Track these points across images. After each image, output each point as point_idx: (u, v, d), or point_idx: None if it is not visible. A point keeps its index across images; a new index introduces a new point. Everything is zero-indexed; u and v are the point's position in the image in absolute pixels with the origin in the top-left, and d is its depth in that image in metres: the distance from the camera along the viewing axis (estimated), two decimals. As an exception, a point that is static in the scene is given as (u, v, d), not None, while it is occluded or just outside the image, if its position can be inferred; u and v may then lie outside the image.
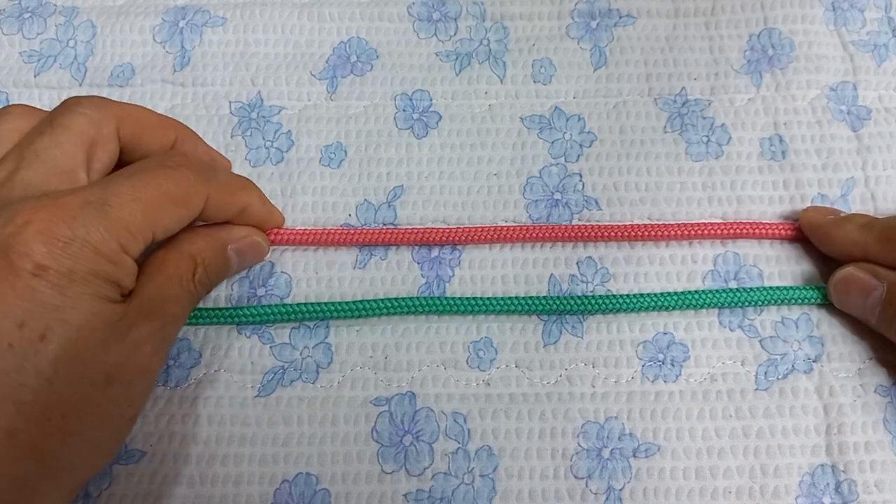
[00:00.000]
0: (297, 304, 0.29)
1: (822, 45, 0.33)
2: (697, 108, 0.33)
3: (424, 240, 0.30)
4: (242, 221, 0.29)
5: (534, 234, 0.30)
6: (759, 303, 0.29)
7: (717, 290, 0.29)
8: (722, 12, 0.34)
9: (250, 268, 0.31)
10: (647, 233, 0.30)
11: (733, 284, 0.30)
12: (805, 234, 0.30)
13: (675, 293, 0.29)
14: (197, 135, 0.30)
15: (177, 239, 0.27)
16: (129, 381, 0.24)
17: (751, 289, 0.29)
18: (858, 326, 0.29)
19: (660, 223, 0.30)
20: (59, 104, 0.26)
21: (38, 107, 0.33)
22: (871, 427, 0.28)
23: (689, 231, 0.30)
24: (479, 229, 0.30)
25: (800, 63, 0.33)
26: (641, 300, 0.29)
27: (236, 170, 0.32)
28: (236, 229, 0.29)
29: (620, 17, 0.34)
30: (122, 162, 0.27)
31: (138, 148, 0.27)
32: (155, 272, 0.25)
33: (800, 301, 0.29)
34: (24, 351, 0.21)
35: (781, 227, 0.30)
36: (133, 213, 0.23)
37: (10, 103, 0.33)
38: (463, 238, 0.30)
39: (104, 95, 0.33)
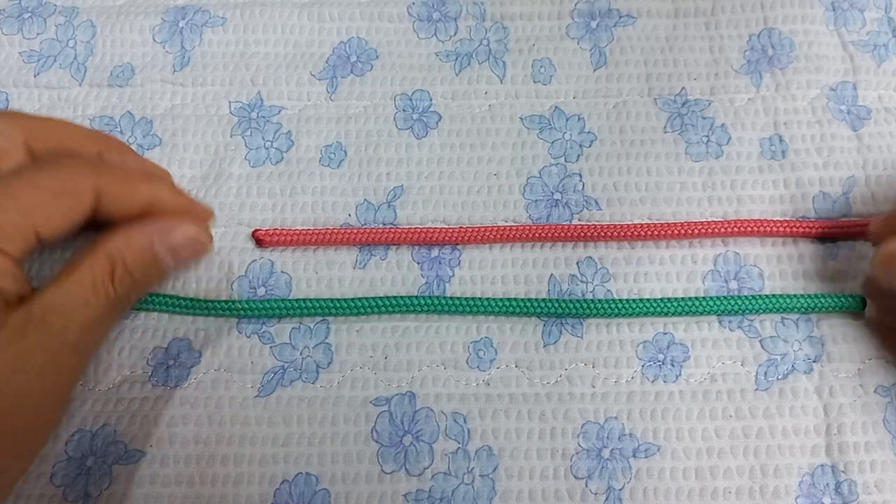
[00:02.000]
0: (298, 300, 0.29)
1: (822, 45, 0.33)
2: (697, 108, 0.33)
3: (424, 240, 0.30)
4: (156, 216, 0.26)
5: (534, 234, 0.30)
6: (762, 310, 0.29)
7: (718, 298, 0.29)
8: (722, 12, 0.34)
9: (193, 265, 0.29)
10: (647, 232, 0.30)
11: (734, 284, 0.30)
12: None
13: (676, 299, 0.29)
14: (128, 147, 0.29)
15: (93, 240, 0.25)
16: (8, 408, 0.21)
17: (753, 297, 0.29)
18: (858, 327, 0.29)
19: (660, 223, 0.30)
20: None
21: (39, 108, 0.33)
22: (871, 427, 0.28)
23: (690, 230, 0.30)
24: (479, 229, 0.30)
25: (800, 63, 0.33)
26: (641, 305, 0.29)
27: (235, 170, 0.32)
28: (163, 223, 0.26)
29: (620, 17, 0.34)
30: None
31: None
32: (61, 276, 0.24)
33: (804, 310, 0.29)
34: None
35: (783, 223, 0.30)
36: (6, 210, 0.22)
37: (10, 103, 0.33)
38: (463, 238, 0.30)
39: (104, 96, 0.33)
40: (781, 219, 0.31)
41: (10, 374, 0.21)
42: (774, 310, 0.29)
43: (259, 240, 0.31)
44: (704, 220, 0.31)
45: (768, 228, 0.30)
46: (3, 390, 0.21)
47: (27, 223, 0.23)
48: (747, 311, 0.29)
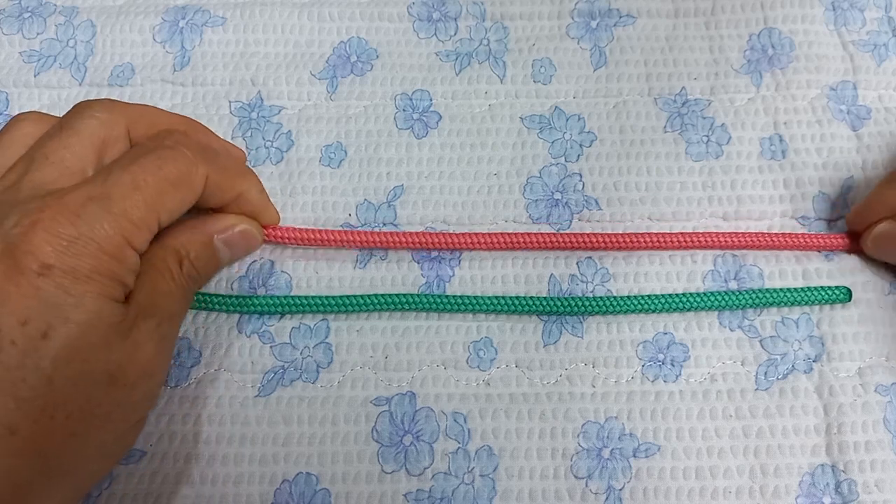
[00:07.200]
0: (298, 297, 0.29)
1: (822, 44, 0.33)
2: (697, 108, 0.33)
3: (425, 244, 0.30)
4: (237, 209, 0.28)
5: (533, 242, 0.30)
6: (760, 305, 0.29)
7: (717, 293, 0.29)
8: (722, 12, 0.34)
9: (245, 258, 0.30)
10: (647, 242, 0.30)
11: (733, 284, 0.30)
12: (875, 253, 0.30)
13: (676, 295, 0.29)
14: (208, 129, 0.30)
15: (160, 234, 0.26)
16: (133, 383, 0.23)
17: (751, 291, 0.29)
18: (859, 326, 0.29)
19: (660, 232, 0.30)
20: (70, 109, 0.26)
21: (39, 107, 0.33)
22: (871, 427, 0.28)
23: (690, 241, 0.30)
24: (479, 236, 0.30)
25: (800, 63, 0.33)
26: (641, 302, 0.29)
27: (236, 169, 0.32)
28: (222, 219, 0.28)
29: (620, 17, 0.34)
30: None
31: None
32: (146, 268, 0.25)
33: (801, 303, 0.29)
34: (25, 348, 0.21)
35: (784, 237, 0.30)
36: (136, 203, 0.23)
37: (11, 103, 0.33)
38: (463, 244, 0.30)
39: (104, 96, 0.33)
40: (781, 232, 0.30)
41: (129, 361, 0.23)
42: (773, 303, 0.29)
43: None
44: (704, 220, 0.31)
45: (770, 242, 0.30)
46: (126, 373, 0.23)
47: (153, 216, 0.24)
48: (742, 306, 0.29)
